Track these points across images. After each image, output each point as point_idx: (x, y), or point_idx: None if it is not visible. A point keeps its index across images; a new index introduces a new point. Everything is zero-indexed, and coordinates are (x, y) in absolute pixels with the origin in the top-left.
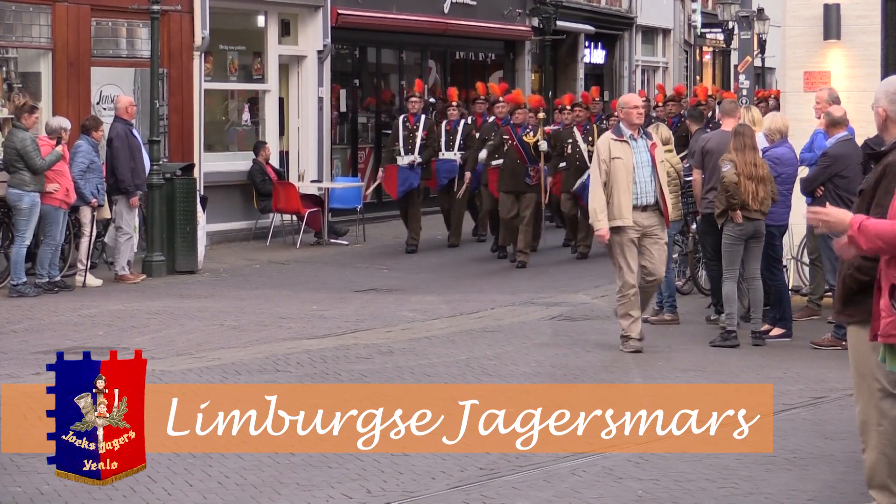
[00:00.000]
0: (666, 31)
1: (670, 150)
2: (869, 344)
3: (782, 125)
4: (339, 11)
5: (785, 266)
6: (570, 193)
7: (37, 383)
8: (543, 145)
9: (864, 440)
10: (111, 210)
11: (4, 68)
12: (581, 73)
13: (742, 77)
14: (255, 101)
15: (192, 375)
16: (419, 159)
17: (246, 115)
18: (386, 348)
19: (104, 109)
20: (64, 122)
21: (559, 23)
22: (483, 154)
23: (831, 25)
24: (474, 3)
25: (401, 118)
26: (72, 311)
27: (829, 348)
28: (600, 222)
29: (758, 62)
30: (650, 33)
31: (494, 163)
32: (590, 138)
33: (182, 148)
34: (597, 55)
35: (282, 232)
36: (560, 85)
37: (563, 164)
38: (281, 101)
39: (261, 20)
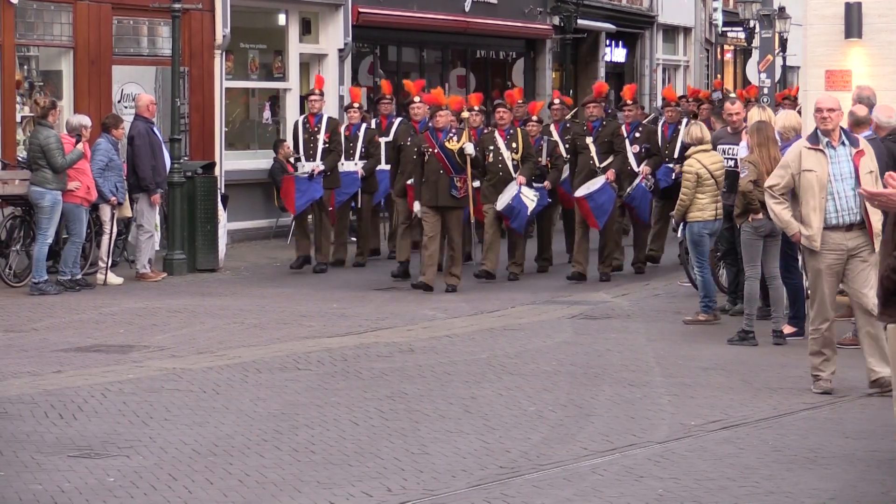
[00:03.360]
0: (687, 30)
1: (706, 150)
2: None
3: (796, 123)
4: (360, 10)
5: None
6: (491, 207)
7: (57, 381)
8: (469, 148)
9: None
10: (132, 208)
11: (26, 66)
12: (602, 72)
13: (763, 76)
14: (276, 99)
15: (212, 373)
16: (322, 166)
17: (267, 114)
18: (406, 347)
19: (125, 108)
20: (84, 120)
21: (580, 21)
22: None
23: (853, 24)
24: (495, 1)
25: (300, 119)
26: (93, 309)
27: (849, 347)
28: (791, 225)
29: (778, 61)
30: (671, 32)
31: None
32: (514, 144)
33: (203, 146)
34: (618, 54)
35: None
36: (581, 83)
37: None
38: (302, 99)
39: (282, 18)
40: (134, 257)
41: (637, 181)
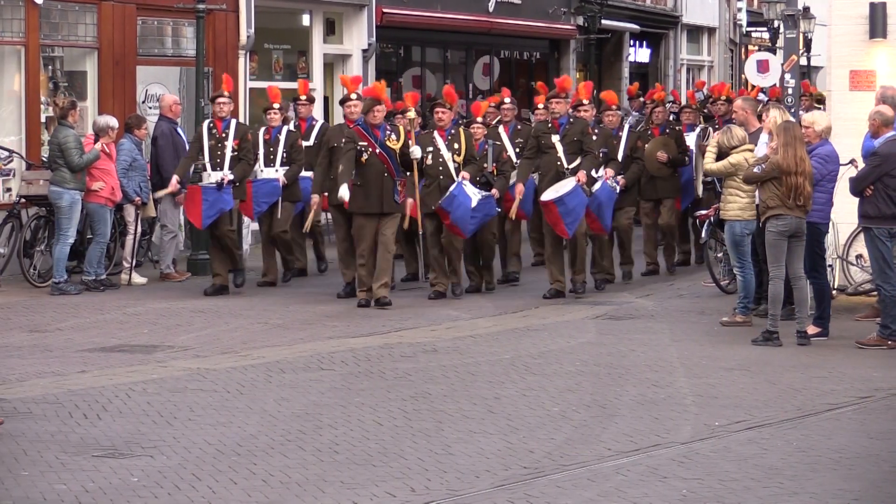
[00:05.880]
0: (711, 30)
1: (749, 150)
2: None
3: (829, 124)
4: (384, 10)
5: (830, 265)
6: (432, 214)
7: (82, 381)
8: (417, 151)
9: None
10: (156, 208)
11: (50, 67)
12: (626, 72)
13: (787, 76)
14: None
15: (236, 373)
16: (231, 176)
17: (291, 114)
18: (430, 347)
19: (149, 108)
20: (111, 121)
21: (604, 21)
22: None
23: (877, 24)
24: (519, 1)
25: (205, 123)
26: (117, 310)
27: (874, 348)
28: None
29: (803, 61)
30: (695, 32)
31: None
32: (455, 146)
33: None
34: (642, 54)
35: (326, 230)
36: (605, 84)
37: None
38: (326, 99)
39: (306, 19)
40: (158, 257)
41: (600, 182)
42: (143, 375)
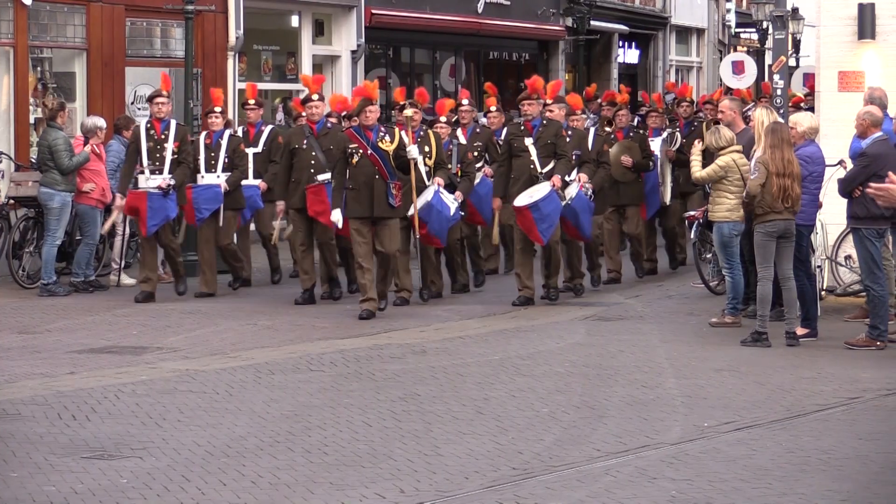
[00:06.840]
0: (700, 31)
1: (737, 151)
2: None
3: (816, 124)
4: (373, 11)
5: (819, 266)
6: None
7: (71, 382)
8: (414, 151)
9: None
10: None
11: (39, 68)
12: (615, 73)
13: (776, 77)
14: (289, 100)
15: (225, 375)
16: (172, 181)
17: (280, 115)
18: (419, 348)
19: (138, 109)
20: (99, 122)
21: (593, 22)
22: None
23: (866, 25)
24: (508, 2)
25: (143, 123)
26: (106, 311)
27: (863, 348)
28: None
29: (792, 62)
30: (684, 33)
31: (321, 177)
32: (426, 148)
33: None
34: (631, 55)
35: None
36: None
37: None
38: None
39: (295, 20)
40: None
41: (575, 189)
42: (132, 377)
